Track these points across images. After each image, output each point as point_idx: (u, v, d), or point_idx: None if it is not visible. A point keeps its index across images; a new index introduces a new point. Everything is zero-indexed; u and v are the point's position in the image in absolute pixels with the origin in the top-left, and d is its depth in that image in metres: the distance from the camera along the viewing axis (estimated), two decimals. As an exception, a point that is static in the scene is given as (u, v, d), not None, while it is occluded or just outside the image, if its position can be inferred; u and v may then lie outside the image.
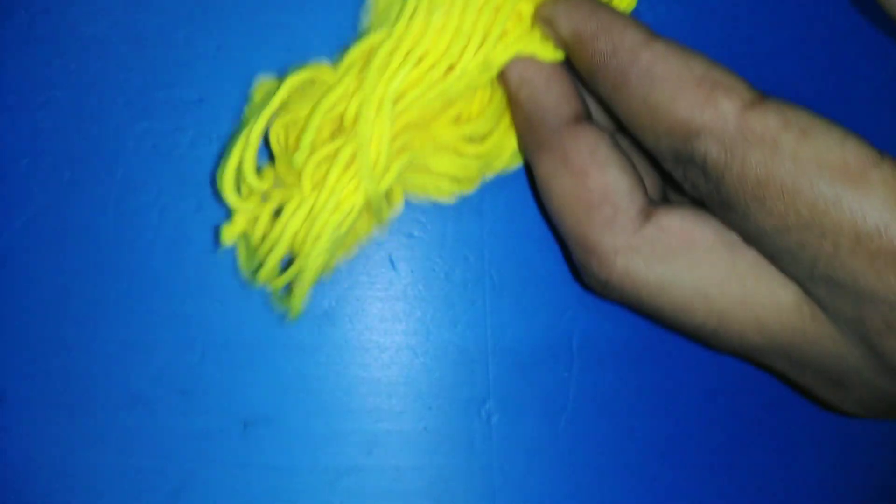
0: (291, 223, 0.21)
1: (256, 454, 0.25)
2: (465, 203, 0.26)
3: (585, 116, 0.23)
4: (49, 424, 0.25)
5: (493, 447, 0.26)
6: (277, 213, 0.22)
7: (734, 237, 0.21)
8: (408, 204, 0.25)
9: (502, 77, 0.23)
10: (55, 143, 0.25)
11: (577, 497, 0.26)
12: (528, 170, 0.26)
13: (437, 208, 0.26)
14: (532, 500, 0.26)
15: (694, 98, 0.20)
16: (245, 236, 0.22)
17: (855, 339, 0.20)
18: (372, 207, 0.22)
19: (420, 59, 0.21)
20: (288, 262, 0.22)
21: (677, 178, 0.21)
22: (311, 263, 0.21)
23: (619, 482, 0.27)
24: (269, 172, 0.22)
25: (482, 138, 0.24)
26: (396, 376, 0.26)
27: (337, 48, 0.23)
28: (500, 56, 0.22)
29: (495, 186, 0.26)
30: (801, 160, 0.19)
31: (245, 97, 0.25)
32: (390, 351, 0.26)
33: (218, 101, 0.25)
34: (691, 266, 0.21)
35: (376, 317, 0.25)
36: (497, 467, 0.26)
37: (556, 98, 0.22)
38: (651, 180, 0.24)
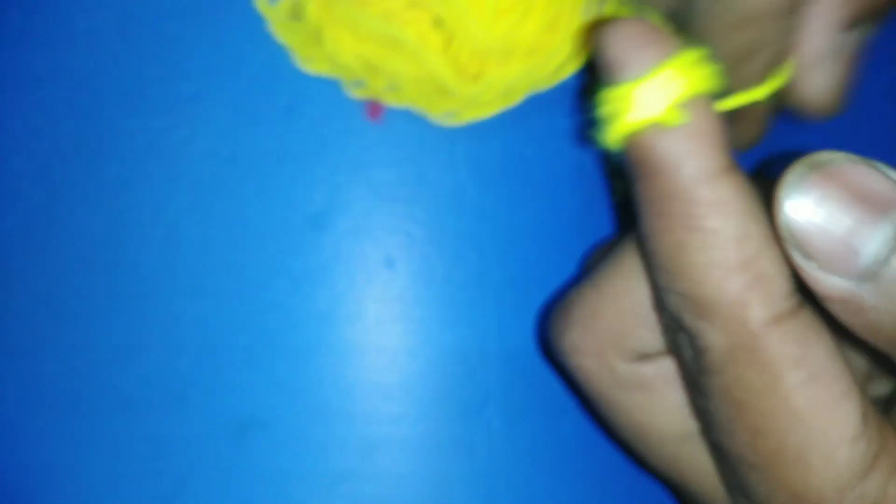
0: None
1: (251, 459, 0.25)
2: (465, 203, 0.26)
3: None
4: (40, 427, 0.25)
5: (493, 452, 0.25)
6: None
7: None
8: (407, 203, 0.25)
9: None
10: (47, 141, 0.25)
11: (578, 502, 0.26)
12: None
13: (437, 208, 0.25)
14: (534, 506, 0.26)
15: (729, 283, 0.17)
16: None
17: None
18: None
19: None
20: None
21: (661, 325, 0.20)
22: None
23: (621, 487, 0.26)
24: None
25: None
26: (395, 379, 0.25)
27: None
28: None
29: (495, 186, 0.26)
30: (792, 409, 0.17)
31: (239, 93, 0.25)
32: (388, 353, 0.25)
33: (213, 97, 0.25)
34: (645, 398, 0.21)
35: (374, 318, 0.25)
36: (497, 473, 0.25)
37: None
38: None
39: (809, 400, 0.17)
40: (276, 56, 0.25)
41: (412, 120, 0.25)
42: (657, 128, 0.18)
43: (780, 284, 0.18)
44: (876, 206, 0.17)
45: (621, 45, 0.18)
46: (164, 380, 0.25)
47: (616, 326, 0.21)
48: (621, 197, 0.26)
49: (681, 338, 0.19)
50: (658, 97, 0.18)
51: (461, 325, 0.26)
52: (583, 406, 0.26)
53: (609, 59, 0.18)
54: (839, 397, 0.18)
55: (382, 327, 0.25)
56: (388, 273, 0.25)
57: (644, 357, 0.21)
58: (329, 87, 0.25)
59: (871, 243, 0.17)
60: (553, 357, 0.23)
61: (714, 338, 0.18)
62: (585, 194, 0.26)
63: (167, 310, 0.25)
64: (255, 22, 0.25)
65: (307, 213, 0.25)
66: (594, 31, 0.19)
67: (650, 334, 0.21)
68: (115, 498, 0.25)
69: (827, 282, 0.17)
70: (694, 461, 0.21)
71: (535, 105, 0.26)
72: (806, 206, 0.17)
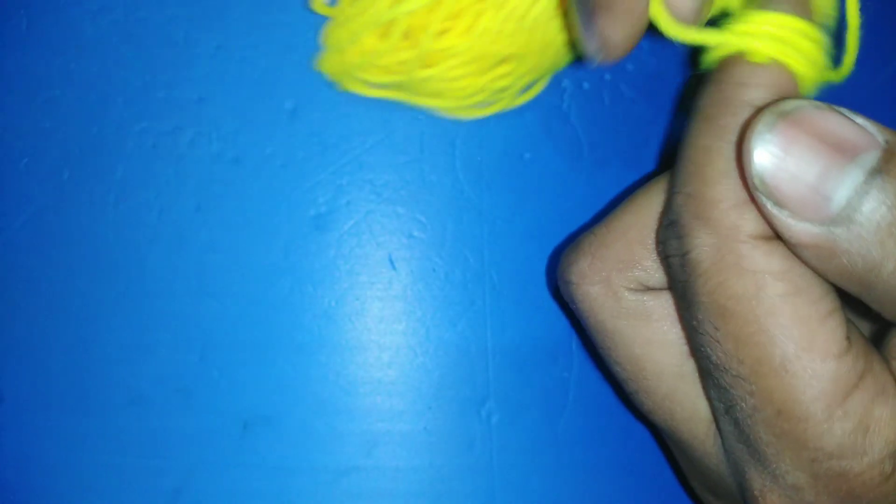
0: None
1: (256, 454, 0.25)
2: (465, 203, 0.26)
3: None
4: (48, 424, 0.25)
5: (492, 447, 0.26)
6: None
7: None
8: (408, 204, 0.25)
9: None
10: (55, 143, 0.25)
11: (576, 497, 0.26)
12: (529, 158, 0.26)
13: (437, 208, 0.26)
14: (532, 500, 0.26)
15: (734, 190, 0.18)
16: None
17: (736, 481, 0.20)
18: None
19: None
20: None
21: (659, 235, 0.20)
22: None
23: (619, 482, 0.26)
24: None
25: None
26: (396, 376, 0.25)
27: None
28: None
29: (495, 186, 0.26)
30: (776, 319, 0.18)
31: (244, 96, 0.25)
32: (390, 351, 0.25)
33: (218, 100, 0.25)
34: (642, 328, 0.21)
35: (376, 317, 0.25)
36: (497, 467, 0.26)
37: None
38: None
39: (793, 312, 0.17)
40: (281, 60, 0.25)
41: (413, 122, 0.25)
42: (759, 51, 0.18)
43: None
44: (844, 152, 0.17)
45: None
46: (170, 377, 0.25)
47: (624, 256, 0.21)
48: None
49: (672, 245, 0.19)
50: (778, 29, 0.18)
51: (461, 324, 0.26)
52: (579, 404, 0.26)
53: None
54: (823, 314, 0.18)
55: (384, 325, 0.26)
56: (389, 272, 0.26)
57: (648, 290, 0.21)
58: (332, 91, 0.25)
59: (842, 189, 0.17)
60: (561, 291, 0.23)
61: (706, 242, 0.18)
62: (584, 195, 0.26)
63: (173, 308, 0.25)
64: (259, 29, 0.25)
65: (311, 214, 0.25)
66: None
67: (655, 266, 0.21)
68: (123, 492, 0.25)
69: (798, 228, 0.17)
70: (687, 402, 0.21)
71: (535, 106, 0.26)
72: (774, 153, 0.17)
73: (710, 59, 0.19)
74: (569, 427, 0.26)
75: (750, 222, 0.18)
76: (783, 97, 0.18)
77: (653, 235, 0.21)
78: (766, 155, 0.17)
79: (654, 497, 0.27)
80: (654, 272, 0.21)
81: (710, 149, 0.18)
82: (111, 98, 0.25)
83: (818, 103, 0.17)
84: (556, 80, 0.26)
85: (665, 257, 0.20)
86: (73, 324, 0.25)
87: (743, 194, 0.18)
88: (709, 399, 0.20)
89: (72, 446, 0.25)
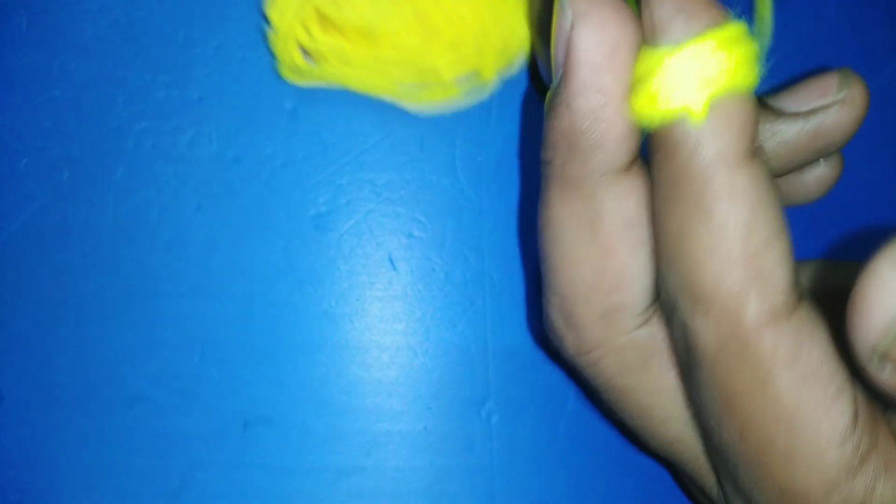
0: None
1: (256, 454, 0.25)
2: (465, 203, 0.26)
3: (638, 163, 0.18)
4: (48, 424, 0.25)
5: (493, 447, 0.26)
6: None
7: None
8: (408, 204, 0.25)
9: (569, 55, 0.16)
10: (55, 143, 0.25)
11: (577, 497, 0.26)
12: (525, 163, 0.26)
13: (437, 208, 0.26)
14: (532, 500, 0.26)
15: (729, 276, 0.16)
16: None
17: None
18: None
19: None
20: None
21: (660, 301, 0.18)
22: None
23: (619, 482, 0.26)
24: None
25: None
26: (396, 376, 0.25)
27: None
28: None
29: (495, 186, 0.26)
30: (783, 408, 0.16)
31: (244, 96, 0.25)
32: (390, 351, 0.25)
33: (218, 100, 0.25)
34: (651, 379, 0.19)
35: (376, 316, 0.25)
36: (497, 468, 0.26)
37: (622, 130, 0.17)
38: None
39: (801, 400, 0.16)
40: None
41: (413, 122, 0.25)
42: (685, 102, 0.16)
43: (781, 281, 0.16)
44: None
45: (667, 7, 0.16)
46: (170, 377, 0.25)
47: (603, 308, 0.19)
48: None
49: (676, 324, 0.18)
50: (692, 69, 0.16)
51: (461, 323, 0.26)
52: (579, 404, 0.26)
53: (651, 19, 0.16)
54: (831, 398, 0.17)
55: (384, 325, 0.26)
56: (389, 272, 0.26)
57: (646, 323, 0.19)
58: (332, 91, 0.25)
59: None
60: (559, 359, 0.22)
61: (707, 329, 0.17)
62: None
63: (173, 308, 0.25)
64: (259, 29, 0.25)
65: (311, 214, 0.25)
66: None
67: (640, 300, 0.19)
68: (124, 493, 0.25)
69: None
70: (694, 444, 0.20)
71: (534, 107, 0.26)
72: None
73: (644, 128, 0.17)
74: (569, 427, 0.26)
75: (753, 306, 0.16)
76: (747, 131, 0.16)
77: (615, 273, 0.18)
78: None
79: (654, 497, 0.27)
80: (641, 304, 0.19)
81: (688, 226, 0.16)
82: (111, 98, 0.25)
83: None
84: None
85: (671, 338, 0.19)
86: (74, 324, 0.25)
87: (739, 274, 0.16)
88: (709, 455, 0.20)
89: (72, 446, 0.25)
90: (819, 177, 0.21)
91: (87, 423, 0.25)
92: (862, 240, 0.28)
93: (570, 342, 0.20)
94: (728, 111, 0.16)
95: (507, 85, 0.26)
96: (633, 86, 0.16)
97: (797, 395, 0.16)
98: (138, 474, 0.25)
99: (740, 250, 0.16)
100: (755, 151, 0.16)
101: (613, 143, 0.17)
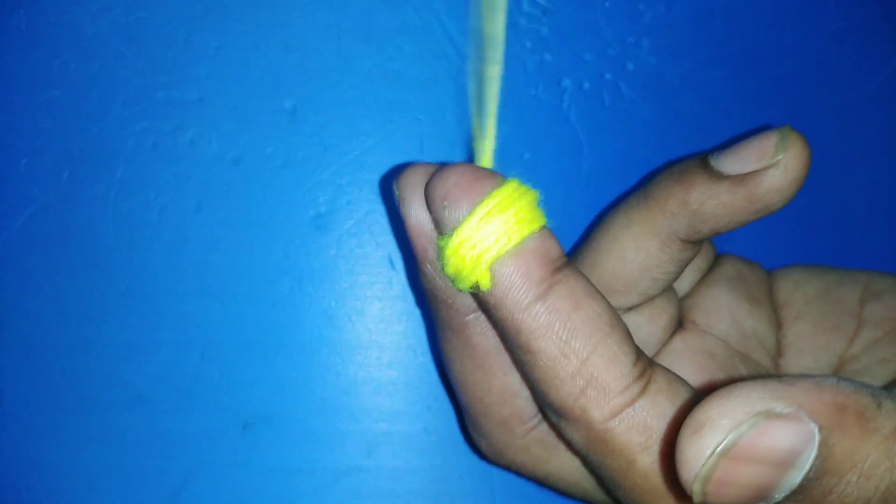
0: None
1: (256, 454, 0.25)
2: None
3: None
4: (48, 424, 0.25)
5: (492, 447, 0.26)
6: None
7: None
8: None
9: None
10: (55, 143, 0.25)
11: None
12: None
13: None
14: (531, 500, 0.26)
15: (565, 392, 0.18)
16: None
17: None
18: None
19: None
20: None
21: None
22: None
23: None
24: None
25: None
26: (396, 376, 0.26)
27: (337, 48, 0.23)
28: None
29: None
30: (652, 485, 0.18)
31: (244, 96, 0.24)
32: (390, 351, 0.26)
33: (218, 100, 0.25)
34: (565, 462, 0.22)
35: (376, 317, 0.25)
36: (496, 468, 0.25)
37: (454, 289, 0.20)
38: None
39: (663, 475, 0.18)
40: (281, 60, 0.25)
41: (413, 122, 0.25)
42: (484, 260, 0.18)
43: (616, 377, 0.18)
44: (782, 466, 0.16)
45: (435, 204, 0.18)
46: (171, 377, 0.25)
47: (503, 414, 0.21)
48: None
49: (554, 426, 0.20)
50: (487, 230, 0.18)
51: (461, 324, 0.26)
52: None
53: (434, 206, 0.18)
54: None
55: (384, 326, 0.26)
56: (389, 272, 0.26)
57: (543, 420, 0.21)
58: (332, 91, 0.25)
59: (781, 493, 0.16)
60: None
61: (572, 433, 0.19)
62: (582, 196, 0.26)
63: (174, 308, 0.25)
64: (259, 29, 0.25)
65: (311, 214, 0.25)
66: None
67: (528, 401, 0.21)
68: (124, 492, 0.25)
69: None
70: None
71: (534, 108, 0.26)
72: (713, 491, 0.16)
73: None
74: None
75: (594, 412, 0.18)
76: (543, 264, 0.18)
77: (500, 390, 0.21)
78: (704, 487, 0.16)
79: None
80: (530, 411, 0.21)
81: (523, 361, 0.18)
82: (111, 98, 0.25)
83: (753, 420, 0.15)
84: (556, 80, 0.26)
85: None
86: (73, 324, 0.25)
87: (573, 389, 0.18)
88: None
89: (72, 446, 0.25)
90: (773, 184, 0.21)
91: (87, 422, 0.25)
92: (862, 240, 0.28)
93: (484, 448, 0.22)
94: (515, 261, 0.18)
95: (505, 85, 0.26)
96: (446, 263, 0.19)
97: (660, 472, 0.18)
98: (139, 473, 0.25)
99: (564, 372, 0.18)
100: (557, 269, 0.18)
101: (455, 297, 0.19)
